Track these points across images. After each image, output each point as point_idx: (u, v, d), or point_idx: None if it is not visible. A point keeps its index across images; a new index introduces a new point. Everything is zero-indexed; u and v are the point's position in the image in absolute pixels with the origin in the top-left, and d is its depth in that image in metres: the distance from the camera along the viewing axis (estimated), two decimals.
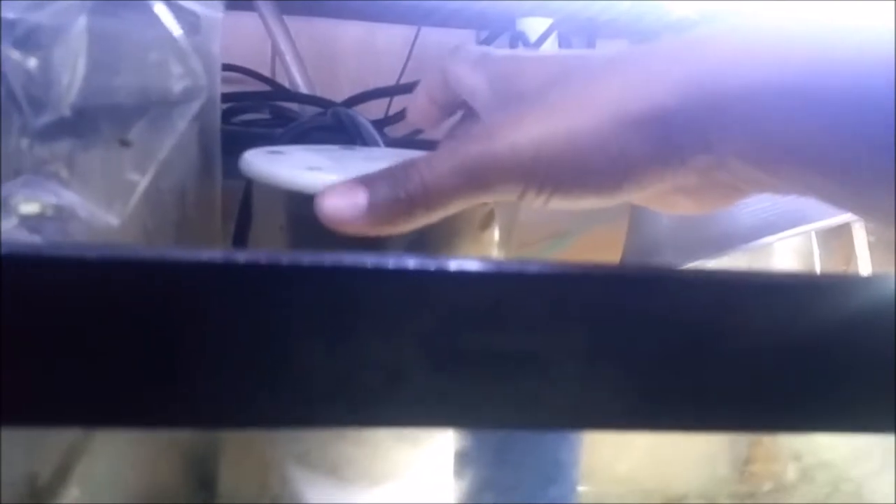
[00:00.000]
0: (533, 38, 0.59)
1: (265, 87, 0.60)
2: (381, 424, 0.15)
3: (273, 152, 0.37)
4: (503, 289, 0.15)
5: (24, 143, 0.18)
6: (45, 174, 0.19)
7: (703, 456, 0.46)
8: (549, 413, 0.15)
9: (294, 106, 0.57)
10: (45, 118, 0.18)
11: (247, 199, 0.41)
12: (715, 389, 0.15)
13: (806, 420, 0.16)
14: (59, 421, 0.14)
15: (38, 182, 0.18)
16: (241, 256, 0.14)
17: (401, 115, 0.66)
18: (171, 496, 0.36)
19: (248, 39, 0.63)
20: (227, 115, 0.51)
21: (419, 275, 0.15)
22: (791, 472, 0.40)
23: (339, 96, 0.57)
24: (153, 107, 0.19)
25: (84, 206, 0.18)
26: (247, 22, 0.62)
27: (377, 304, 0.15)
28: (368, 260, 0.15)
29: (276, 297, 0.14)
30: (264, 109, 0.53)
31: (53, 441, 0.18)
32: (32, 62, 0.17)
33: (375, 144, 0.45)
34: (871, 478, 0.30)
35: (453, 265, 0.15)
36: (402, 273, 0.15)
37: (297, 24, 0.63)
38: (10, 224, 0.16)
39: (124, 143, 0.19)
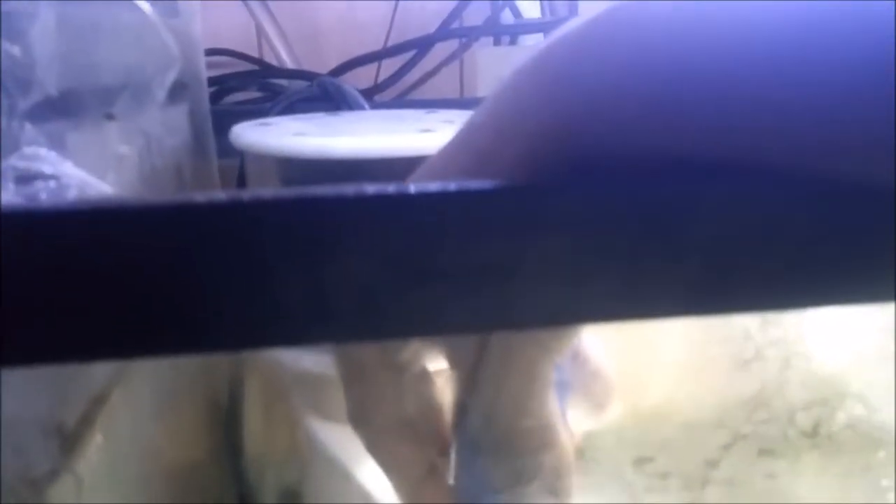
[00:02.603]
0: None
1: (254, 68, 0.61)
2: (358, 339, 0.17)
3: (262, 124, 0.38)
4: (460, 207, 0.17)
5: (15, 124, 0.20)
6: (41, 151, 0.20)
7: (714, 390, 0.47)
8: (516, 314, 0.17)
9: (284, 83, 0.58)
10: (32, 99, 0.20)
11: (243, 174, 0.43)
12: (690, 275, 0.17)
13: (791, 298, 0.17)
14: (88, 354, 0.16)
15: (34, 156, 0.19)
16: (225, 196, 0.16)
17: (390, 81, 0.67)
18: (198, 458, 0.38)
19: (233, 23, 0.65)
20: (218, 97, 0.52)
21: (381, 200, 0.16)
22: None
23: (326, 70, 0.59)
24: (132, 81, 0.21)
25: (79, 175, 0.20)
26: (231, 6, 0.63)
27: (347, 230, 0.16)
28: (338, 190, 0.16)
29: (257, 230, 0.16)
30: (254, 88, 0.55)
31: (77, 391, 0.20)
32: (15, 47, 0.19)
33: (361, 109, 0.46)
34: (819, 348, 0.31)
35: (413, 189, 0.16)
36: (364, 200, 0.16)
37: (278, 3, 0.64)
38: (8, 194, 0.17)
39: (109, 117, 0.21)
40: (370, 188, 0.17)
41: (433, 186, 0.17)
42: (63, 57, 0.20)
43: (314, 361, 0.37)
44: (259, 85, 0.54)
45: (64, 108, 0.21)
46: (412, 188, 0.17)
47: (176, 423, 0.31)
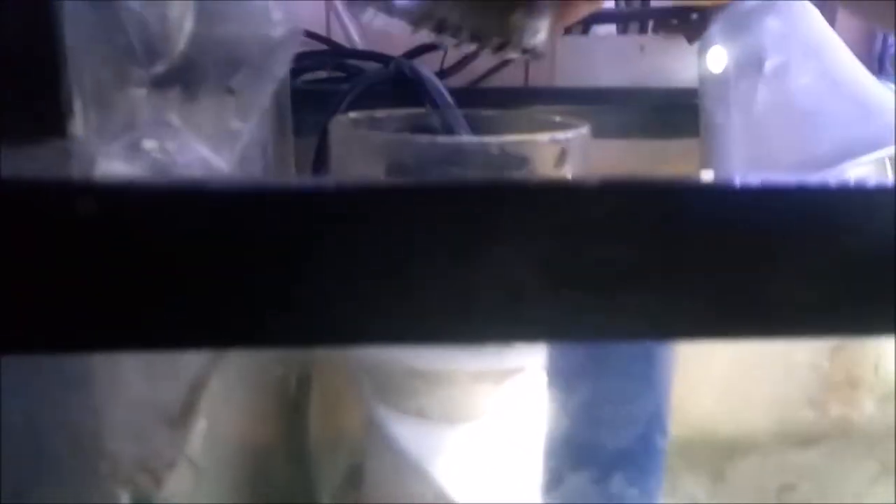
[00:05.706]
0: None
1: (323, 47, 0.60)
2: (502, 340, 0.16)
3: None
4: (612, 202, 0.16)
5: (141, 92, 0.19)
6: (161, 122, 0.19)
7: (774, 398, 0.46)
8: (658, 323, 0.16)
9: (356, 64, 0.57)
10: (159, 68, 0.19)
11: (319, 155, 0.42)
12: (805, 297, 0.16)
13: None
14: (199, 342, 0.15)
15: (158, 128, 0.19)
16: (362, 182, 0.15)
17: (457, 67, 0.66)
18: (269, 441, 0.38)
19: (302, 2, 0.64)
20: (292, 76, 0.52)
21: (533, 192, 0.15)
22: (868, 405, 0.40)
23: (395, 52, 0.57)
24: (254, 54, 0.20)
25: (200, 150, 0.19)
26: None
27: (497, 222, 0.15)
28: (489, 180, 0.15)
29: (398, 217, 0.15)
30: (327, 68, 0.54)
31: (180, 374, 0.20)
32: (151, 14, 0.18)
33: (439, 94, 0.45)
34: None
35: (569, 183, 0.15)
36: (516, 190, 0.15)
37: None
38: (141, 167, 0.17)
39: (230, 91, 0.20)
40: (530, 179, 0.16)
41: (591, 180, 0.16)
42: (193, 25, 0.19)
43: (385, 353, 0.36)
44: (333, 65, 0.53)
45: (186, 78, 0.21)
46: (573, 181, 0.16)
47: (255, 410, 0.30)
